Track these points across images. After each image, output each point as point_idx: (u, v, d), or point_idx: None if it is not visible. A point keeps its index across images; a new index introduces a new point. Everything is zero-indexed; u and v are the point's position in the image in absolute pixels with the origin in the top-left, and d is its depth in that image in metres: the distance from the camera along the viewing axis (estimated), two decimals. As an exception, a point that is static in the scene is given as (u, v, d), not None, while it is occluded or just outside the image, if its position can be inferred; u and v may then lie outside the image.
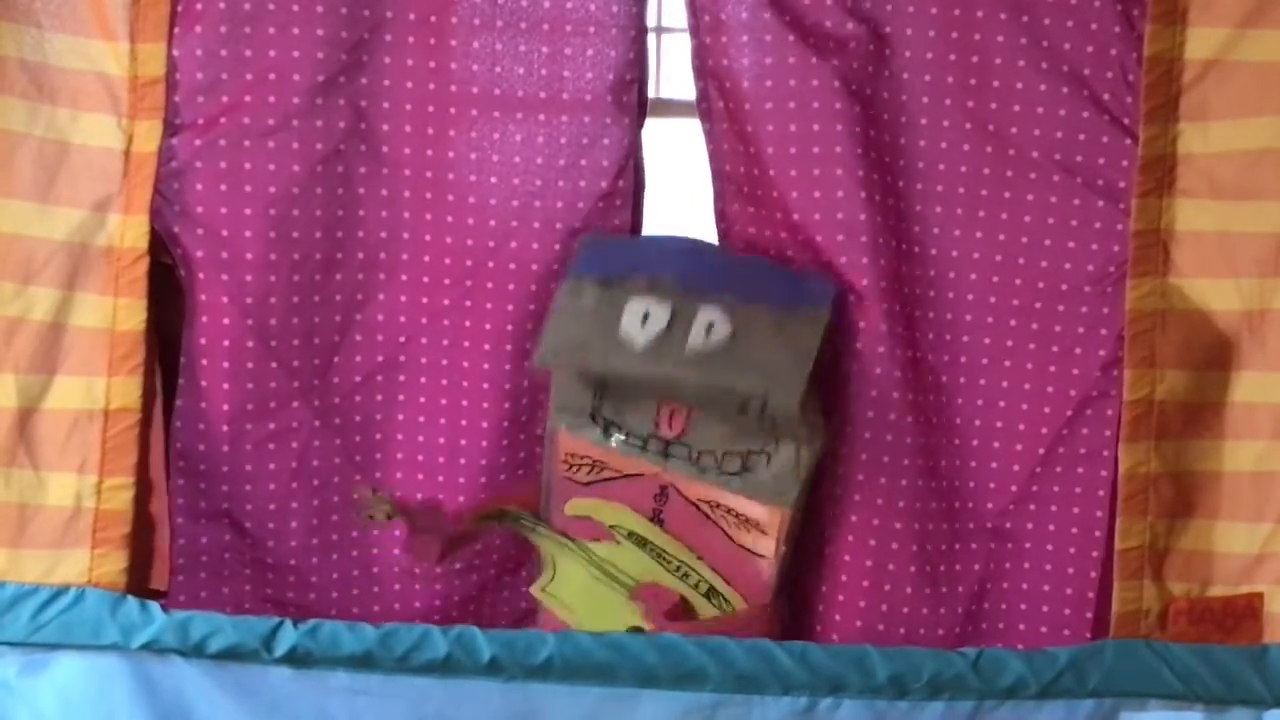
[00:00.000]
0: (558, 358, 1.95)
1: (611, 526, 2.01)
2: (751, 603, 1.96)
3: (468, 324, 2.05)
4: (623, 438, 1.99)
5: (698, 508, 1.97)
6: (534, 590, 2.01)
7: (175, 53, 1.91)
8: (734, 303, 1.91)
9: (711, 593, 1.98)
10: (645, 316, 1.92)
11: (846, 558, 2.00)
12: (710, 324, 1.90)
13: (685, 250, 2.01)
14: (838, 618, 1.99)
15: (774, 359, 1.88)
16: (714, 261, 2.01)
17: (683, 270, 1.95)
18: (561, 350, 1.94)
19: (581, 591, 2.00)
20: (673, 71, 2.49)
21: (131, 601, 1.86)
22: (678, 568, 1.99)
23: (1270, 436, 1.90)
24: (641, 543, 1.99)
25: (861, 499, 1.99)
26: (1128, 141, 1.91)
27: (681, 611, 1.97)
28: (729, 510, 1.96)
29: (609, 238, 2.03)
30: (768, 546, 1.95)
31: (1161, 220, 1.90)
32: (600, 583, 1.99)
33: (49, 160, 1.89)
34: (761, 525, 1.94)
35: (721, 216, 2.06)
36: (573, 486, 2.02)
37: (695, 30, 2.00)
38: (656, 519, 2.00)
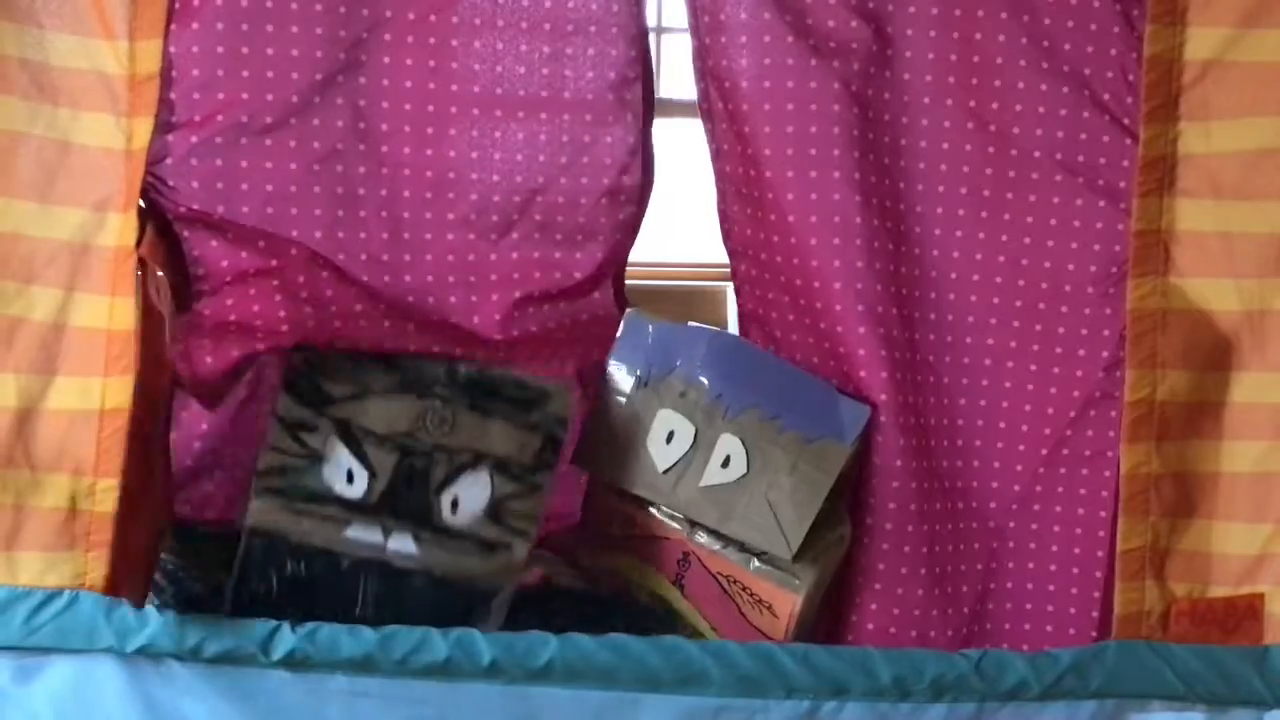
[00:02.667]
0: (590, 465, 2.04)
1: (636, 584, 2.01)
2: None
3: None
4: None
5: (716, 580, 1.98)
6: None
7: (172, 49, 1.89)
8: (758, 425, 1.94)
9: None
10: (671, 435, 1.96)
11: (859, 577, 1.99)
12: (727, 457, 1.95)
13: (725, 351, 2.02)
14: (854, 618, 1.99)
15: (781, 506, 1.91)
16: (751, 366, 2.01)
17: (718, 375, 1.98)
18: (593, 457, 2.03)
19: None
20: (673, 71, 2.51)
21: (126, 604, 1.82)
22: (692, 635, 1.98)
23: (1271, 437, 1.89)
24: (662, 605, 1.99)
25: (874, 502, 1.98)
26: (1128, 141, 1.91)
27: None
28: (744, 588, 1.96)
29: (651, 322, 2.05)
30: (778, 630, 1.95)
31: (1162, 220, 1.90)
32: None
33: (49, 160, 1.86)
34: (774, 609, 1.94)
35: (723, 217, 2.07)
36: (606, 537, 2.03)
37: (695, 30, 2.00)
38: (678, 583, 2.00)
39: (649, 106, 2.04)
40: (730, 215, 2.06)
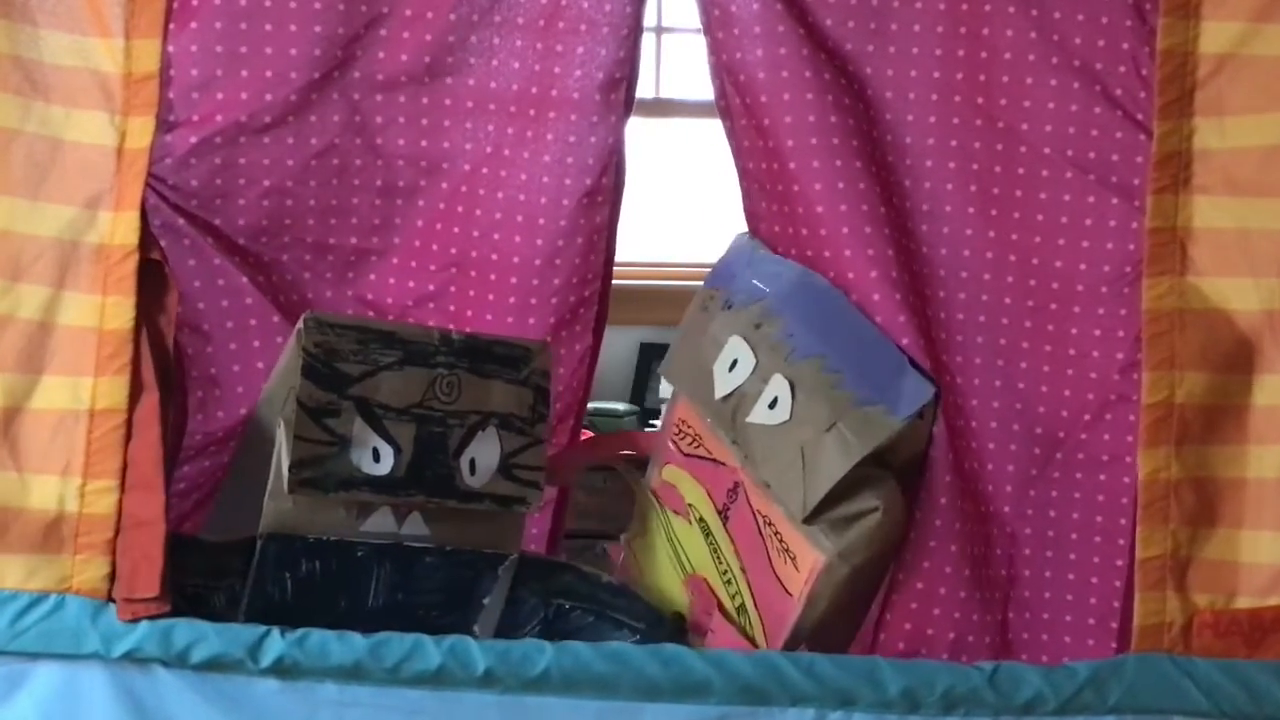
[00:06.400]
0: (673, 380, 2.12)
1: (689, 504, 1.99)
2: (768, 639, 1.90)
3: (452, 309, 2.06)
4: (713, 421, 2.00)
5: (756, 517, 1.94)
6: (623, 539, 2.04)
7: (170, 49, 1.89)
8: (815, 375, 1.90)
9: (741, 610, 1.94)
10: (734, 364, 1.95)
11: (900, 575, 1.94)
12: (774, 399, 1.91)
13: (814, 295, 1.97)
14: (889, 616, 1.94)
15: (811, 461, 1.87)
16: (835, 316, 1.96)
17: (797, 317, 1.95)
18: (676, 373, 2.11)
19: (653, 556, 2.03)
20: (673, 71, 2.49)
21: (113, 609, 1.78)
22: (724, 571, 1.96)
23: (1296, 441, 1.84)
24: (706, 532, 1.97)
25: (922, 496, 1.94)
26: (1142, 137, 1.87)
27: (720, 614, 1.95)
28: (777, 533, 1.91)
29: (758, 248, 2.03)
30: (796, 586, 1.89)
31: (1178, 218, 1.85)
32: (668, 556, 1.99)
33: (41, 157, 1.86)
34: (798, 561, 1.89)
35: (750, 215, 2.06)
36: (675, 452, 2.04)
37: (707, 27, 1.99)
38: (724, 513, 1.97)
39: (628, 108, 2.04)
40: (757, 213, 2.04)
